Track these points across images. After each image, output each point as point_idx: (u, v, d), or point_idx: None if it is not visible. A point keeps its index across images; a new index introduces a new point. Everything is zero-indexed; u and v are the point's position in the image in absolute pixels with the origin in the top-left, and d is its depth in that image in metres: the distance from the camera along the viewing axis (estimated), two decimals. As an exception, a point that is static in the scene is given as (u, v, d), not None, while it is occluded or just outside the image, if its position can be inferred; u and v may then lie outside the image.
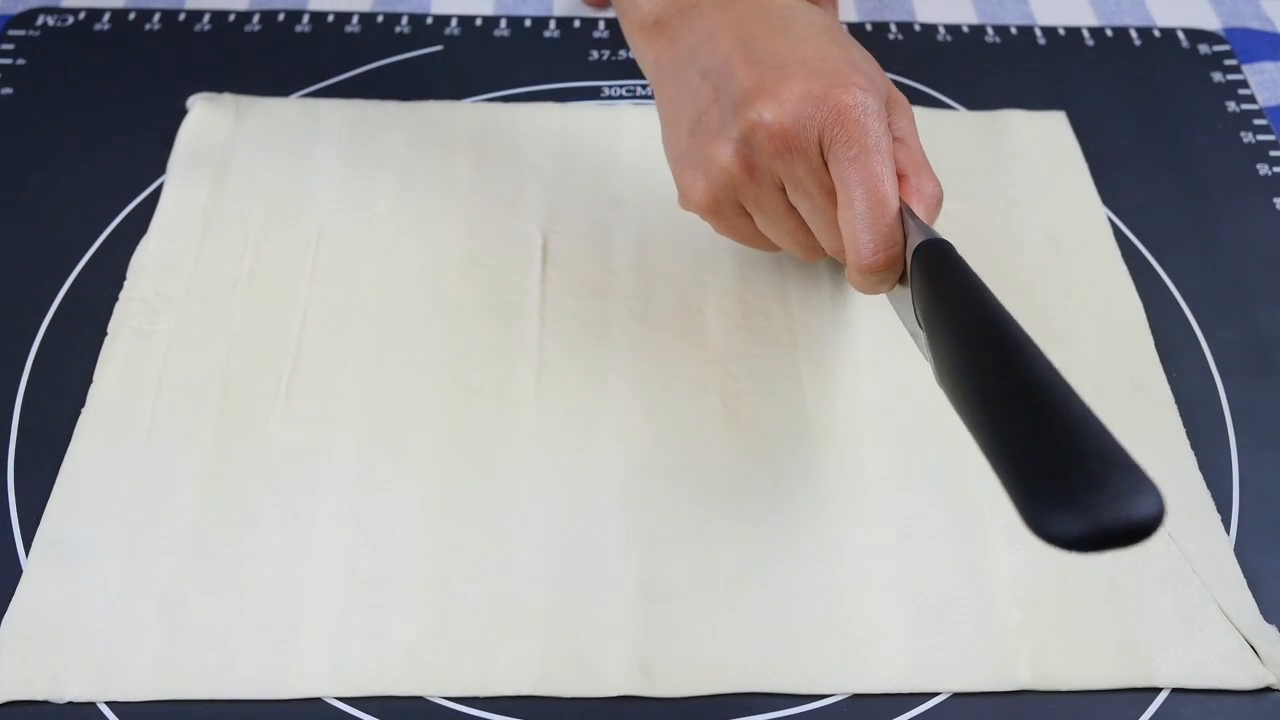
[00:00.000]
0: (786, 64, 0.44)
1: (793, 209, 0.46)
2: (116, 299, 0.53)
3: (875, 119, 0.43)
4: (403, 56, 0.66)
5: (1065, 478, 0.30)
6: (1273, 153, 0.63)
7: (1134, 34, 0.70)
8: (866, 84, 0.43)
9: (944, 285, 0.40)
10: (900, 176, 0.44)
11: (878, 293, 0.45)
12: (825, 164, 0.43)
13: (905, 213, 0.43)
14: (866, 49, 0.67)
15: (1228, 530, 0.48)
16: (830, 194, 0.44)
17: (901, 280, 0.44)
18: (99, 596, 0.44)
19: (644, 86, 0.65)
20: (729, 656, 0.43)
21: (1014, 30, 0.70)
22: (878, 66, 0.46)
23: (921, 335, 0.41)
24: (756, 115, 0.43)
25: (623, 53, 0.67)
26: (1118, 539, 0.29)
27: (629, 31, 0.51)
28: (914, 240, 0.42)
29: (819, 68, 0.43)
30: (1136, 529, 0.29)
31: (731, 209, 0.47)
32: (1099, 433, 0.31)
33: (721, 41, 0.45)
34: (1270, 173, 0.62)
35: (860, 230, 0.43)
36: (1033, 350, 0.35)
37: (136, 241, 0.55)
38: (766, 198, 0.46)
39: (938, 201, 0.45)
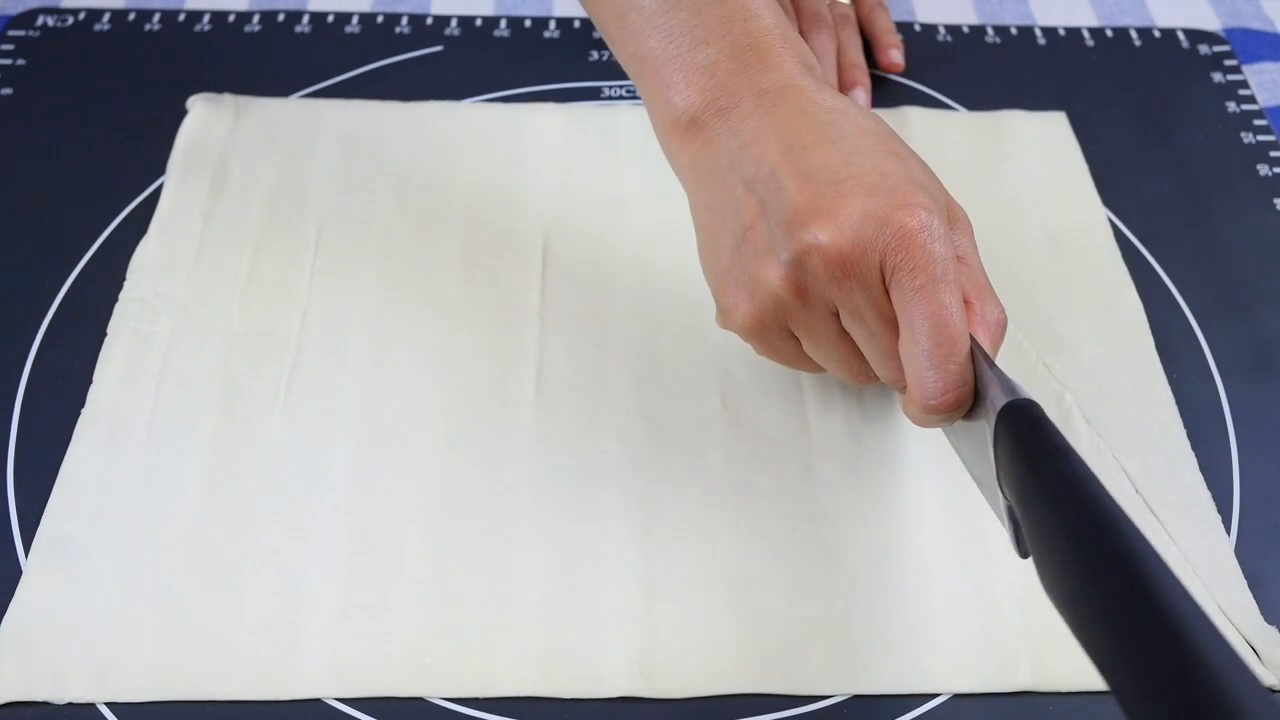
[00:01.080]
0: (842, 179, 0.40)
1: (845, 334, 0.42)
2: (116, 299, 0.53)
3: (941, 243, 0.39)
4: (403, 57, 0.66)
5: None
6: (1273, 153, 0.63)
7: (1134, 34, 0.70)
8: (930, 203, 0.39)
9: (1043, 466, 0.35)
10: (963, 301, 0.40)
11: (934, 427, 0.42)
12: (886, 291, 0.40)
13: (974, 347, 0.40)
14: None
15: (1228, 531, 0.48)
16: (890, 323, 0.40)
17: (968, 414, 0.40)
18: (99, 597, 0.44)
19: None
20: (729, 657, 0.43)
21: (1014, 30, 0.70)
22: (936, 178, 0.43)
23: (1000, 500, 0.38)
24: (811, 237, 0.39)
25: (623, 53, 0.67)
26: None
27: (658, 129, 0.46)
28: (992, 389, 0.38)
29: (878, 184, 0.39)
30: None
31: (777, 333, 0.43)
32: (1239, 684, 0.28)
33: (767, 149, 0.41)
34: (1270, 173, 0.62)
35: (926, 369, 0.39)
36: (1157, 563, 0.31)
37: (136, 242, 0.55)
38: (817, 323, 0.42)
39: (1002, 329, 0.42)
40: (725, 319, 0.44)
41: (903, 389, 0.41)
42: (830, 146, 0.41)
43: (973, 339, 0.40)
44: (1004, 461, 0.37)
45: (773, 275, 0.41)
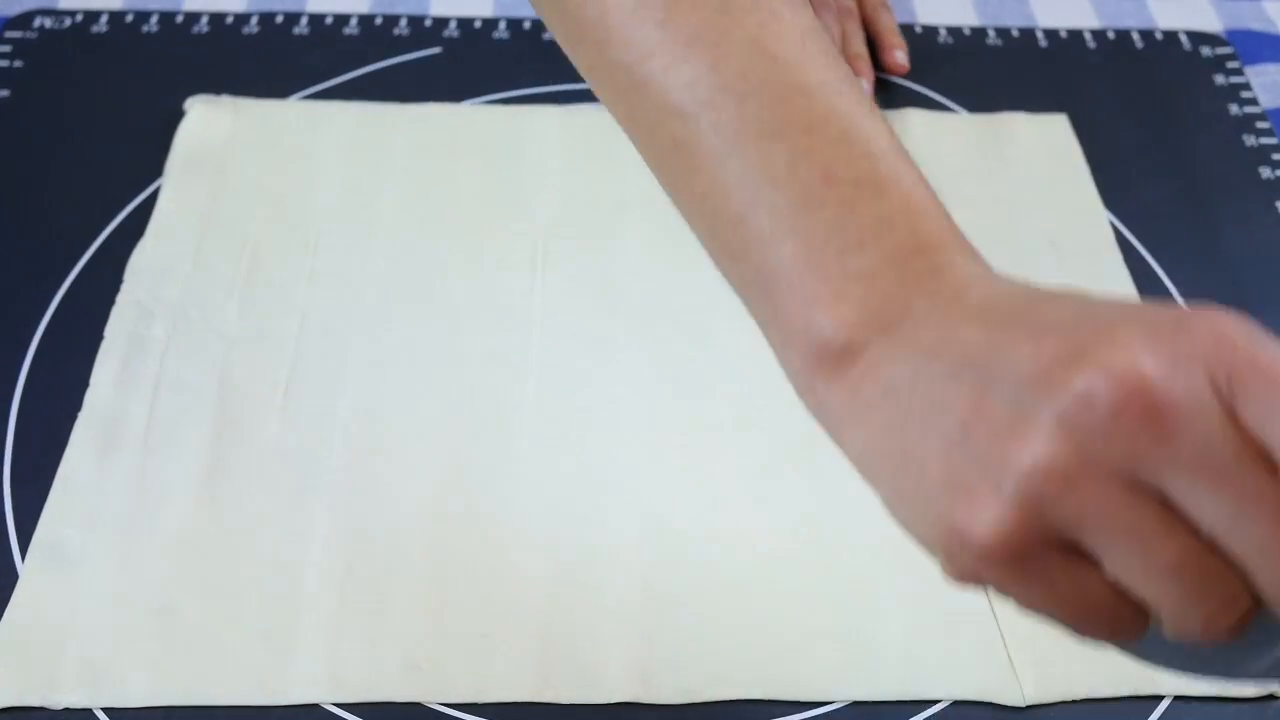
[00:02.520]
0: (1096, 316, 0.28)
1: (1175, 525, 0.26)
2: (113, 302, 0.53)
3: None
4: (401, 59, 0.66)
5: None
6: (1275, 156, 0.63)
7: (1136, 36, 0.70)
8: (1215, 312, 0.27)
9: None
10: None
11: None
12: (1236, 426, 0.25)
13: None
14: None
15: (1230, 536, 0.47)
16: (1270, 465, 0.25)
17: None
18: (95, 602, 0.44)
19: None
20: (729, 662, 0.43)
21: (1015, 32, 0.70)
22: None
23: None
24: (1085, 383, 0.26)
25: (622, 55, 0.67)
26: None
27: (791, 363, 0.33)
28: None
29: (1135, 314, 0.27)
30: None
31: (1046, 547, 0.27)
32: None
33: (968, 334, 0.29)
34: (1272, 176, 0.62)
35: None
36: None
37: (134, 244, 0.55)
38: (1122, 507, 0.26)
39: None
40: (962, 547, 0.29)
41: None
42: (1049, 303, 0.29)
43: None
44: None
45: (1034, 447, 0.26)
